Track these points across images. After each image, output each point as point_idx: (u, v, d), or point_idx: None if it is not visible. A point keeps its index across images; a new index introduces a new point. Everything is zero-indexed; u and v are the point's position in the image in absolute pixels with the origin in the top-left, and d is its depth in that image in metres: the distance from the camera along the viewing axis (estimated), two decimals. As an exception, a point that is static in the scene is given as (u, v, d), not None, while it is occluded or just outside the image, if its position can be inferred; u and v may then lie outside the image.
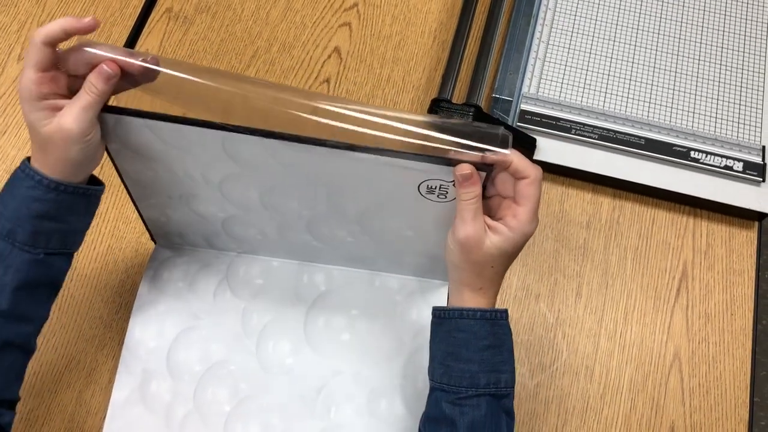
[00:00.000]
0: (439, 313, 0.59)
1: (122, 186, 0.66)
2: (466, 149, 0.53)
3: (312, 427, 0.70)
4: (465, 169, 0.53)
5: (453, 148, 0.54)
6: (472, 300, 0.57)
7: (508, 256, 0.56)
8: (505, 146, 0.53)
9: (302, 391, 0.72)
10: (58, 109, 0.53)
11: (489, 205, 0.57)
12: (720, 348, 0.75)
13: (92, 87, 0.53)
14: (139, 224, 0.75)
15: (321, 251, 0.74)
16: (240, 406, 0.71)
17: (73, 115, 0.52)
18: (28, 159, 0.56)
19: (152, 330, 0.74)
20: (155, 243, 0.78)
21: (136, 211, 0.71)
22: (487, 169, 0.54)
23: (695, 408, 0.73)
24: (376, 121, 0.54)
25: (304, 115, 0.55)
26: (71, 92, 0.54)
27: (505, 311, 0.57)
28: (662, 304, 0.77)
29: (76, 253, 0.61)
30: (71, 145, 0.53)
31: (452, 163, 0.53)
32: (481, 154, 0.53)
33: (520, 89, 0.85)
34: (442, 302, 0.75)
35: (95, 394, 0.72)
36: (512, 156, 0.53)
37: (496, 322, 0.57)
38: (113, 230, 0.80)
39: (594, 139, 0.81)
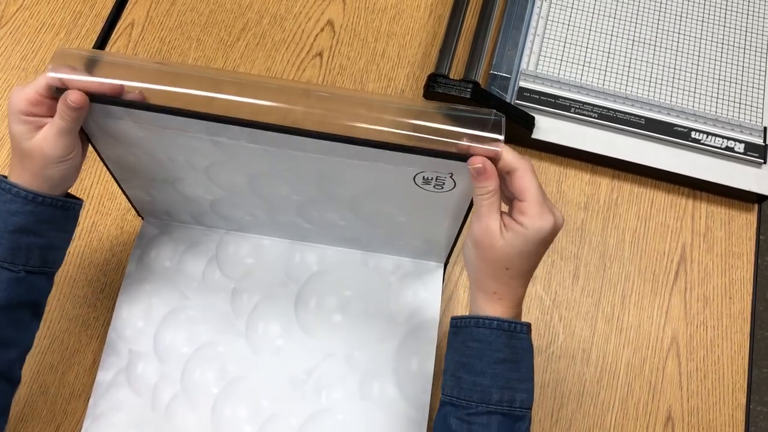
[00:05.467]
0: (456, 323, 0.55)
1: (106, 161, 0.63)
2: (460, 139, 0.50)
3: (302, 410, 0.69)
4: (476, 162, 0.49)
5: (445, 139, 0.50)
6: (486, 306, 0.53)
7: (525, 257, 0.51)
8: (497, 131, 0.50)
9: (292, 374, 0.70)
10: (42, 126, 0.53)
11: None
12: (718, 332, 0.74)
13: (63, 113, 0.52)
14: (124, 200, 0.72)
15: (313, 232, 0.72)
16: (228, 389, 0.69)
17: (49, 141, 0.53)
18: (4, 177, 0.55)
19: (140, 310, 0.72)
20: (142, 219, 0.75)
21: (121, 189, 0.68)
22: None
23: (692, 392, 0.72)
24: (365, 114, 0.51)
25: (290, 106, 0.52)
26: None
27: (527, 325, 0.53)
28: (660, 287, 0.76)
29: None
30: (50, 165, 0.54)
31: (446, 155, 0.50)
32: (472, 144, 0.50)
33: (519, 66, 0.82)
34: (437, 284, 0.73)
35: (79, 375, 0.70)
36: (502, 148, 0.50)
37: (515, 335, 0.52)
38: (98, 206, 0.77)
39: (593, 118, 0.79)
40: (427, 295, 0.73)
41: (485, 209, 0.51)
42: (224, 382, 0.69)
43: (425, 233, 0.67)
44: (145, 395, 0.69)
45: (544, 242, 0.51)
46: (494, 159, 0.50)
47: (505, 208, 0.53)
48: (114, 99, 0.52)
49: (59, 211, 0.57)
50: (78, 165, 0.57)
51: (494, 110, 0.51)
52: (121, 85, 0.53)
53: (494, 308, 0.52)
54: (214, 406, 0.69)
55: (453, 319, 0.55)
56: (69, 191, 0.59)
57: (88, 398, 0.68)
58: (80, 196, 0.60)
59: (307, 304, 0.72)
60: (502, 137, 0.50)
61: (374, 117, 0.51)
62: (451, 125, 0.51)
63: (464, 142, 0.50)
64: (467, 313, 0.55)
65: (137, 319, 0.71)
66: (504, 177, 0.51)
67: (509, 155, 0.50)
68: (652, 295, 0.76)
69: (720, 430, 0.70)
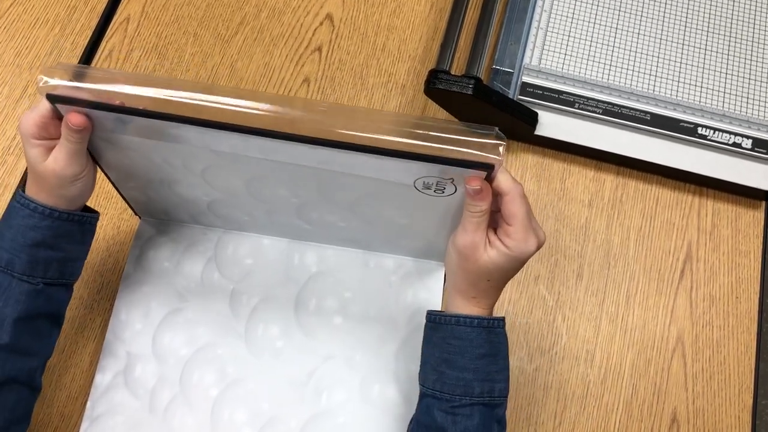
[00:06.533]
0: (434, 318, 0.57)
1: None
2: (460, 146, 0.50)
3: (302, 413, 0.68)
4: (475, 184, 0.51)
5: (445, 146, 0.50)
6: (464, 307, 0.56)
7: (505, 272, 0.54)
8: (498, 146, 0.50)
9: (292, 376, 0.69)
10: (52, 147, 0.54)
11: (496, 219, 0.54)
12: (724, 332, 0.73)
13: (68, 136, 0.53)
14: (120, 200, 0.71)
15: (312, 232, 0.71)
16: (227, 391, 0.68)
17: (60, 162, 0.54)
18: (22, 189, 0.57)
19: (138, 312, 0.71)
20: (139, 218, 0.74)
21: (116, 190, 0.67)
22: (487, 169, 0.50)
23: (698, 393, 0.71)
24: (362, 122, 0.50)
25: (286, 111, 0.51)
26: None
27: (502, 319, 0.56)
28: (665, 286, 0.75)
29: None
30: (65, 185, 0.55)
31: (446, 161, 0.49)
32: (477, 153, 0.50)
33: (522, 60, 0.81)
34: (438, 284, 0.72)
35: (75, 377, 0.69)
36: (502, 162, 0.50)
37: (493, 330, 0.55)
38: (94, 206, 0.75)
39: (598, 113, 0.78)
40: (429, 296, 0.72)
41: (473, 226, 0.53)
42: (223, 384, 0.69)
43: (426, 235, 0.66)
44: (143, 398, 0.68)
45: (525, 260, 0.54)
46: (493, 169, 0.50)
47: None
48: (108, 105, 0.51)
49: (76, 226, 0.58)
50: (92, 181, 0.59)
51: (497, 128, 0.50)
52: (120, 102, 0.52)
53: (472, 309, 0.56)
54: (213, 409, 0.68)
55: (430, 314, 0.58)
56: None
57: (86, 401, 0.68)
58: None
59: (306, 305, 0.71)
60: (503, 145, 0.50)
61: (372, 125, 0.50)
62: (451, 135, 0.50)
63: (465, 149, 0.50)
64: (443, 309, 0.58)
65: (135, 321, 0.70)
66: (495, 196, 0.53)
67: (503, 177, 0.51)
68: (658, 294, 0.75)
69: (726, 432, 0.69)
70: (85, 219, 0.59)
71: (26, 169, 0.77)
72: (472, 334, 0.55)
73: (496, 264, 0.53)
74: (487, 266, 0.53)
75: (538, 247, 0.53)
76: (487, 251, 0.53)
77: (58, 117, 0.53)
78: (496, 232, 0.54)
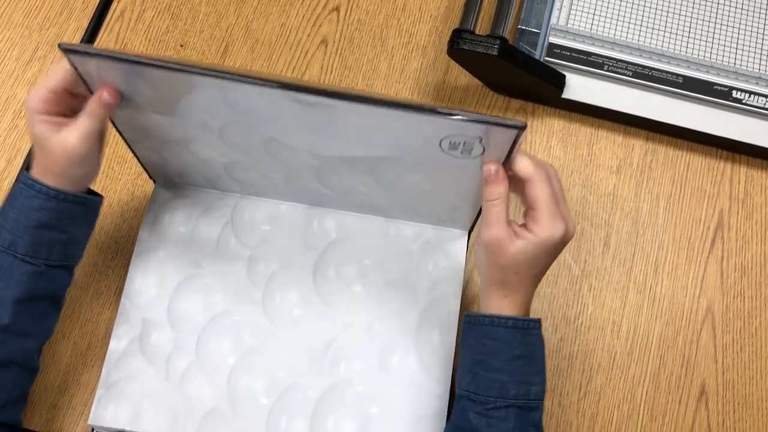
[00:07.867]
0: (469, 319, 0.56)
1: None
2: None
3: (320, 383, 0.66)
4: (490, 165, 0.51)
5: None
6: (497, 307, 0.54)
7: (533, 261, 0.52)
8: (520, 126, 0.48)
9: (310, 345, 0.67)
10: (62, 124, 0.53)
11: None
12: (756, 303, 0.71)
13: (94, 112, 0.53)
14: (135, 164, 0.69)
15: (332, 197, 0.68)
16: (244, 359, 0.67)
17: (76, 138, 0.53)
18: (27, 170, 0.56)
19: (153, 278, 0.69)
20: (154, 182, 0.72)
21: (131, 151, 0.65)
22: (517, 128, 0.47)
23: (728, 366, 0.69)
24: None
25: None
26: (72, 111, 0.54)
27: (538, 321, 0.55)
28: (696, 255, 0.72)
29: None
30: (74, 162, 0.54)
31: (475, 119, 0.47)
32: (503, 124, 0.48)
33: (549, 20, 0.77)
34: (461, 253, 0.70)
35: (91, 345, 0.68)
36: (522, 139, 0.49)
37: (528, 332, 0.54)
38: (107, 171, 0.74)
39: (628, 76, 0.75)
40: (450, 265, 0.70)
41: (494, 217, 0.51)
42: (240, 352, 0.67)
43: (451, 201, 0.63)
44: (159, 365, 0.67)
45: (555, 249, 0.52)
46: (523, 129, 0.47)
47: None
48: (116, 55, 0.49)
49: (80, 208, 0.58)
50: (99, 163, 0.58)
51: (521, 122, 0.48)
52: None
53: (504, 308, 0.54)
54: (229, 377, 0.67)
55: (466, 315, 0.57)
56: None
57: (101, 368, 0.67)
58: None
59: (325, 273, 0.69)
60: (524, 125, 0.47)
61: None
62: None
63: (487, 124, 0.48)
64: (479, 310, 0.57)
65: (150, 286, 0.69)
66: (519, 184, 0.52)
67: (524, 162, 0.51)
68: (687, 264, 0.72)
69: (756, 406, 0.67)
70: (90, 201, 0.59)
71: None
72: (507, 335, 0.53)
73: (523, 254, 0.51)
74: (515, 257, 0.51)
75: (567, 235, 0.51)
76: (513, 242, 0.51)
77: (67, 92, 0.52)
78: (522, 223, 0.53)
